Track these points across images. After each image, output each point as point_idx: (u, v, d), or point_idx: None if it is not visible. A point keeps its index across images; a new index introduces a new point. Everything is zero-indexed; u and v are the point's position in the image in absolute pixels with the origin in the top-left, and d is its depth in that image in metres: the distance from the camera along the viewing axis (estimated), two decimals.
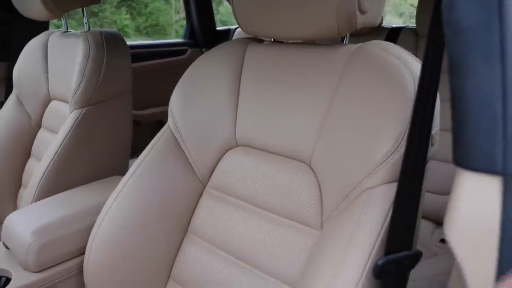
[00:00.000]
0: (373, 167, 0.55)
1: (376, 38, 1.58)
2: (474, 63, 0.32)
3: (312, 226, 0.65)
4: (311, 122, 0.68)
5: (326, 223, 0.63)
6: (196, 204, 0.83)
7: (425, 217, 1.34)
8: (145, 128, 1.96)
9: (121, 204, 0.79)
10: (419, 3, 1.52)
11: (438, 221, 1.33)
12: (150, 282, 0.80)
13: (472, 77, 0.32)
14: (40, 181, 1.10)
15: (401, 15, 5.58)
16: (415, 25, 1.55)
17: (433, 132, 0.55)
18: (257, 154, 0.76)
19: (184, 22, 2.34)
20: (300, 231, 0.66)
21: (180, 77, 0.87)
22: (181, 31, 2.36)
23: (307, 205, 0.66)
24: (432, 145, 0.56)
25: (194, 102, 0.83)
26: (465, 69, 0.33)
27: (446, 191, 1.31)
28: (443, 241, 1.29)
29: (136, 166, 0.82)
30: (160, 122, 2.03)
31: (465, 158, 0.33)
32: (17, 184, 1.36)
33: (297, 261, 0.65)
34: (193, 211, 0.82)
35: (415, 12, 1.53)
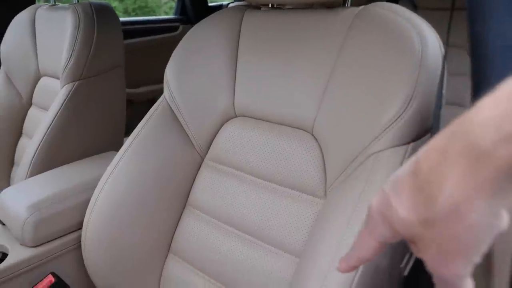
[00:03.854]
0: (379, 130, 0.53)
1: None
2: (495, 5, 0.30)
3: (315, 195, 0.64)
4: (312, 88, 0.66)
5: (330, 191, 0.61)
6: (195, 176, 0.81)
7: None
8: (138, 107, 1.92)
9: (117, 178, 0.78)
10: None
11: None
12: (149, 255, 0.79)
13: (494, 20, 0.30)
14: (32, 158, 1.08)
15: None
16: None
17: (443, 91, 0.53)
18: (257, 124, 0.74)
19: (173, 4, 2.28)
20: (302, 200, 0.65)
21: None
22: (171, 13, 2.31)
23: (310, 173, 0.65)
24: (440, 107, 0.55)
25: (191, 72, 0.81)
26: (486, 12, 0.31)
27: None
28: None
29: (132, 138, 0.80)
30: (153, 100, 1.99)
31: None
32: (10, 163, 1.33)
33: (299, 230, 0.64)
34: (192, 184, 0.81)
35: None
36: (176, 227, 0.81)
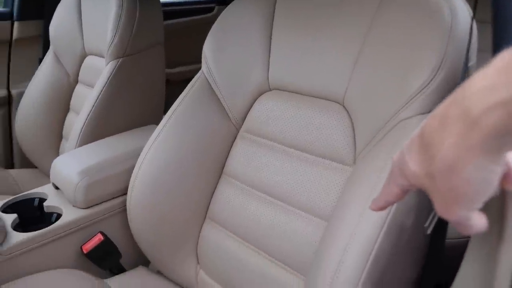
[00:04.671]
0: (407, 99, 0.56)
1: None
2: None
3: (345, 163, 0.67)
4: (344, 61, 0.68)
5: (358, 159, 0.64)
6: (231, 147, 0.86)
7: None
8: (175, 87, 1.98)
9: (158, 148, 0.84)
10: None
11: None
12: (188, 219, 0.84)
13: None
14: (80, 132, 1.16)
15: None
16: None
17: (470, 64, 0.55)
18: (290, 97, 0.77)
19: None
20: (332, 168, 0.69)
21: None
22: None
23: (340, 143, 0.68)
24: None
25: (227, 47, 0.85)
26: None
27: None
28: None
29: (172, 111, 0.86)
30: (189, 80, 2.05)
31: None
32: (59, 137, 1.43)
33: (328, 196, 0.68)
34: (228, 154, 0.86)
35: None
36: (213, 194, 0.86)
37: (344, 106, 0.69)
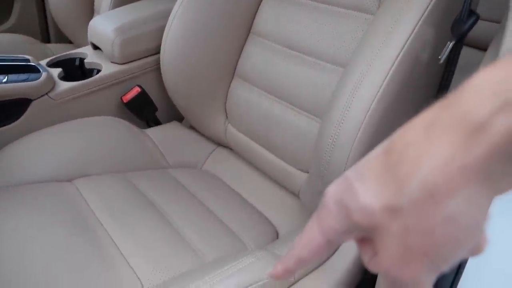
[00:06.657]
0: None
1: None
2: None
3: (370, 11, 0.69)
4: None
5: (382, 4, 0.66)
6: (258, 6, 0.88)
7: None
8: None
9: (187, 7, 0.87)
10: None
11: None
12: (217, 77, 0.90)
13: None
14: (110, 3, 1.19)
15: None
16: None
17: None
18: None
19: None
20: (356, 18, 0.71)
21: None
22: None
23: None
24: None
25: None
26: None
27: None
28: None
29: None
30: None
31: None
32: (91, 12, 1.46)
33: (349, 45, 0.71)
34: (255, 14, 0.88)
35: None
36: (240, 53, 0.90)
37: None
